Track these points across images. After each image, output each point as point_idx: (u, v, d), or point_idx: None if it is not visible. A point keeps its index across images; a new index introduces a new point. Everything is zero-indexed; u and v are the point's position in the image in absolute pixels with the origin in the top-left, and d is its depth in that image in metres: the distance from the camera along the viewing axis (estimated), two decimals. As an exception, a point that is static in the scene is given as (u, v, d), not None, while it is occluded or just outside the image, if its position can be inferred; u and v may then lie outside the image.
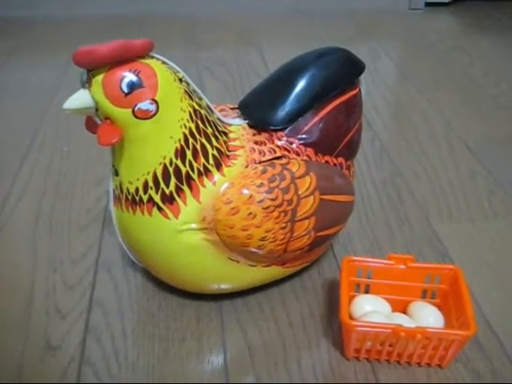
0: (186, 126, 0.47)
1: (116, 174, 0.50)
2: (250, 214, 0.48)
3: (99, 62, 0.44)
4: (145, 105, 0.45)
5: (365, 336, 0.48)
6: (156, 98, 0.45)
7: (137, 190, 0.49)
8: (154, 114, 0.46)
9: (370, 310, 0.51)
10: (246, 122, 0.54)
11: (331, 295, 0.58)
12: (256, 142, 0.52)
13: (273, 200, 0.49)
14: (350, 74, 0.56)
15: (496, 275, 0.60)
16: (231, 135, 0.52)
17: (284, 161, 0.51)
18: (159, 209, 0.49)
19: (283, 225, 0.50)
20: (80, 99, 0.45)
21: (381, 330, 0.47)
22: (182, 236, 0.49)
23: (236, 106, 0.57)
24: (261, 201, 0.48)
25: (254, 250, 0.50)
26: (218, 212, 0.48)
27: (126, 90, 0.44)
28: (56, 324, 0.54)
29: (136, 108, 0.45)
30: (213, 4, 1.37)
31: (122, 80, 0.44)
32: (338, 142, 0.56)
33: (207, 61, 1.11)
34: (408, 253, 0.61)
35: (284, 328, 0.54)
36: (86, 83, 0.45)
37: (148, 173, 0.48)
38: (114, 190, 0.51)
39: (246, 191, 0.48)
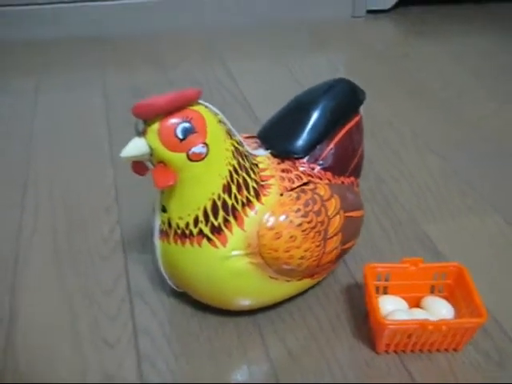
0: (230, 164, 0.53)
1: (164, 210, 0.54)
2: (291, 237, 0.54)
3: (157, 114, 0.48)
4: (198, 148, 0.50)
5: (396, 332, 0.55)
6: (206, 141, 0.50)
7: (187, 224, 0.53)
8: (205, 156, 0.50)
9: (392, 309, 0.59)
10: (269, 151, 0.60)
11: (350, 298, 0.65)
12: (283, 170, 0.58)
13: (309, 223, 0.55)
14: (355, 103, 0.63)
15: (483, 265, 0.69)
16: (260, 166, 0.57)
17: (311, 186, 0.57)
18: (208, 239, 0.53)
19: (318, 243, 0.56)
20: (137, 147, 0.49)
21: (410, 326, 0.55)
22: (229, 262, 0.54)
23: (250, 135, 0.63)
24: (299, 224, 0.55)
25: (293, 267, 0.56)
26: (262, 238, 0.54)
27: (180, 137, 0.49)
28: (108, 354, 0.58)
29: (190, 152, 0.50)
30: (172, 21, 1.39)
31: (176, 127, 0.49)
32: (349, 164, 0.63)
33: (177, 80, 1.15)
34: (404, 254, 0.70)
35: (316, 333, 0.61)
36: (142, 132, 0.49)
37: (198, 208, 0.52)
38: (159, 226, 0.56)
39: (286, 217, 0.54)
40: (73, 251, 0.71)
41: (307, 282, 0.61)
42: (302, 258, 0.56)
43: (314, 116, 0.60)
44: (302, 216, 0.55)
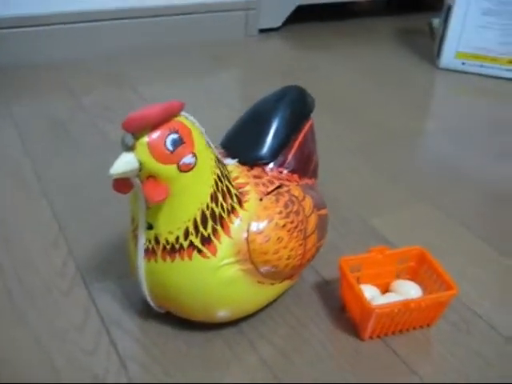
0: (214, 173, 0.53)
1: (150, 227, 0.53)
2: (278, 238, 0.56)
3: (149, 126, 0.47)
4: (187, 159, 0.49)
5: (382, 316, 0.59)
6: (195, 151, 0.50)
7: (177, 238, 0.52)
8: (194, 166, 0.50)
9: (370, 297, 0.63)
10: (237, 160, 0.61)
11: (322, 294, 0.67)
12: (255, 177, 0.60)
13: (291, 223, 0.57)
14: (308, 108, 0.66)
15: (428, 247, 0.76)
16: (232, 174, 0.58)
17: (285, 188, 0.59)
18: (199, 251, 0.53)
19: (300, 242, 0.58)
20: (127, 162, 0.47)
21: (394, 308, 0.59)
22: (220, 271, 0.54)
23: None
24: (284, 225, 0.56)
25: (281, 269, 0.57)
26: (252, 243, 0.54)
27: (170, 148, 0.48)
28: (99, 389, 0.54)
29: (181, 163, 0.49)
30: (73, 48, 1.34)
31: (166, 139, 0.48)
32: (309, 165, 0.66)
33: (93, 108, 1.11)
34: (358, 246, 0.74)
35: (300, 330, 0.62)
36: (131, 146, 0.47)
37: (189, 220, 0.52)
38: (144, 245, 0.54)
39: (271, 220, 0.55)
40: (27, 290, 0.65)
41: (287, 284, 0.63)
42: (288, 257, 0.57)
43: (275, 123, 0.62)
44: (285, 217, 0.56)
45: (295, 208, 0.58)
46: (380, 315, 0.59)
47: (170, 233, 0.52)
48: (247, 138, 0.62)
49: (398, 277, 0.68)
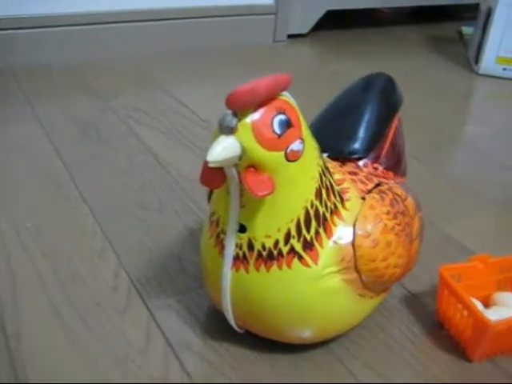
0: (319, 164, 0.44)
1: (242, 230, 0.44)
2: (387, 242, 0.47)
3: (256, 102, 0.39)
4: (296, 145, 0.41)
5: (498, 334, 0.50)
6: (303, 137, 0.42)
7: (276, 243, 0.44)
8: (301, 155, 0.42)
9: (475, 312, 0.54)
10: (327, 155, 0.53)
11: (412, 308, 0.59)
12: (350, 173, 0.51)
13: (399, 225, 0.49)
14: (398, 98, 0.59)
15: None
16: (327, 170, 0.50)
17: (386, 186, 0.51)
18: (300, 258, 0.44)
19: (407, 248, 0.50)
20: (227, 148, 0.39)
21: (512, 325, 0.50)
22: (321, 282, 0.46)
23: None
24: (392, 228, 0.48)
25: (386, 279, 0.49)
26: (360, 248, 0.46)
27: (278, 132, 0.40)
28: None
29: (288, 150, 0.41)
30: (97, 51, 1.27)
31: (272, 121, 0.40)
32: (400, 163, 0.58)
33: (122, 108, 1.02)
34: (437, 254, 0.66)
35: (397, 349, 0.53)
36: (233, 129, 0.39)
37: (292, 220, 0.43)
38: (233, 251, 0.45)
39: (380, 221, 0.47)
40: (76, 308, 0.56)
41: (382, 297, 0.54)
42: (395, 265, 0.49)
43: (366, 115, 0.55)
44: (393, 218, 0.48)
45: (401, 208, 0.50)
46: (498, 333, 0.50)
47: (268, 236, 0.44)
48: (336, 131, 0.54)
49: (499, 288, 0.59)
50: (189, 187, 0.78)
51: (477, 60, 1.36)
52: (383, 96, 0.57)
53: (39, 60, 1.22)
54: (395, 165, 0.57)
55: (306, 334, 0.49)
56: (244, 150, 0.39)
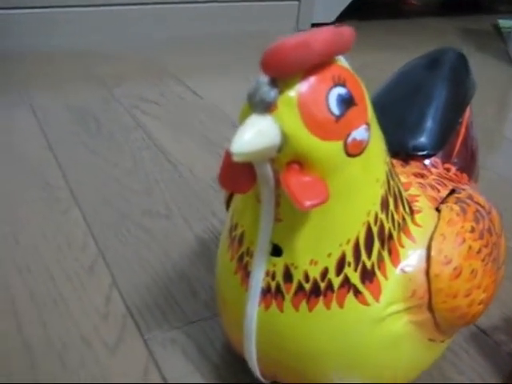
0: (385, 161, 0.32)
1: (276, 253, 0.32)
2: (472, 271, 0.34)
3: (311, 63, 0.26)
4: (360, 132, 0.28)
5: None
6: (369, 121, 0.29)
7: (325, 272, 0.31)
8: (366, 146, 0.29)
9: None
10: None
11: (480, 351, 0.46)
12: (416, 175, 0.39)
13: (486, 247, 0.36)
14: (472, 81, 0.46)
15: None
16: (386, 170, 0.37)
17: (464, 193, 0.39)
18: (356, 293, 0.32)
19: (493, 277, 0.37)
20: (261, 133, 0.26)
21: None
22: (383, 325, 0.33)
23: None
24: (479, 251, 0.35)
25: (468, 320, 0.36)
26: (437, 279, 0.33)
27: (336, 112, 0.27)
28: None
29: (349, 139, 0.28)
30: (103, 34, 1.15)
31: (328, 95, 0.27)
32: (474, 164, 0.45)
33: (127, 98, 0.90)
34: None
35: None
36: (271, 104, 0.26)
37: (348, 241, 0.31)
38: (262, 281, 0.33)
39: (463, 242, 0.34)
40: (54, 342, 0.44)
41: (448, 343, 0.41)
42: (480, 302, 0.36)
43: (436, 100, 0.42)
44: (479, 238, 0.35)
45: (486, 224, 0.37)
46: None
47: (314, 263, 0.31)
48: (395, 119, 0.41)
49: None
50: (202, 190, 0.66)
51: (521, 53, 1.23)
52: (455, 77, 0.44)
53: (36, 43, 1.10)
54: (469, 166, 0.44)
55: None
56: (285, 138, 0.27)
